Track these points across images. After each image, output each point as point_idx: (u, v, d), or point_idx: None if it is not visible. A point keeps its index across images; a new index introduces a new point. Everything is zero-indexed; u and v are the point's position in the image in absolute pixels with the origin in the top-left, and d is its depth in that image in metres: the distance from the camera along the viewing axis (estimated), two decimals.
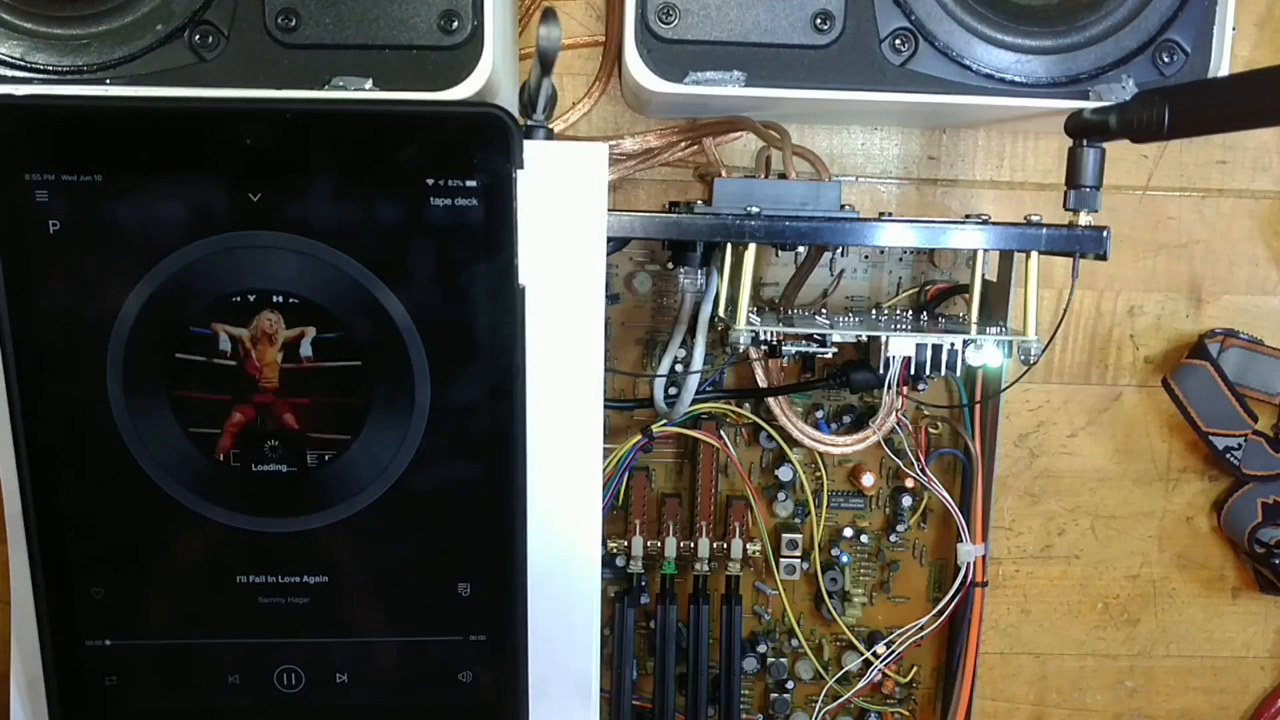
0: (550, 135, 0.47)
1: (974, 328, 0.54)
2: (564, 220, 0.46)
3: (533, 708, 0.50)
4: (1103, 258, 0.51)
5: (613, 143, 0.60)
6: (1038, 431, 0.67)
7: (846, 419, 0.64)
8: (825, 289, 0.63)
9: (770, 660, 0.66)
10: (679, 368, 0.61)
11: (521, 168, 0.44)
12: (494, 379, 0.45)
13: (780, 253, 0.60)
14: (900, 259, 0.63)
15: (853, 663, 0.66)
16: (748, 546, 0.62)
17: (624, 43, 0.47)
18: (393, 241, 0.44)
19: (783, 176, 0.59)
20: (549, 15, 0.43)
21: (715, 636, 0.64)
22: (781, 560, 0.64)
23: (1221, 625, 0.71)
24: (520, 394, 0.46)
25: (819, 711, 0.66)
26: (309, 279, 0.44)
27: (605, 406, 0.50)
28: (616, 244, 0.59)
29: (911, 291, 0.63)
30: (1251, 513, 0.66)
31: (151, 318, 0.44)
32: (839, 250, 0.61)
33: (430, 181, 0.43)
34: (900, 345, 0.53)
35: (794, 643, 0.66)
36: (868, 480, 0.64)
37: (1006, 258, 0.56)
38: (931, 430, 0.64)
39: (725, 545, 0.62)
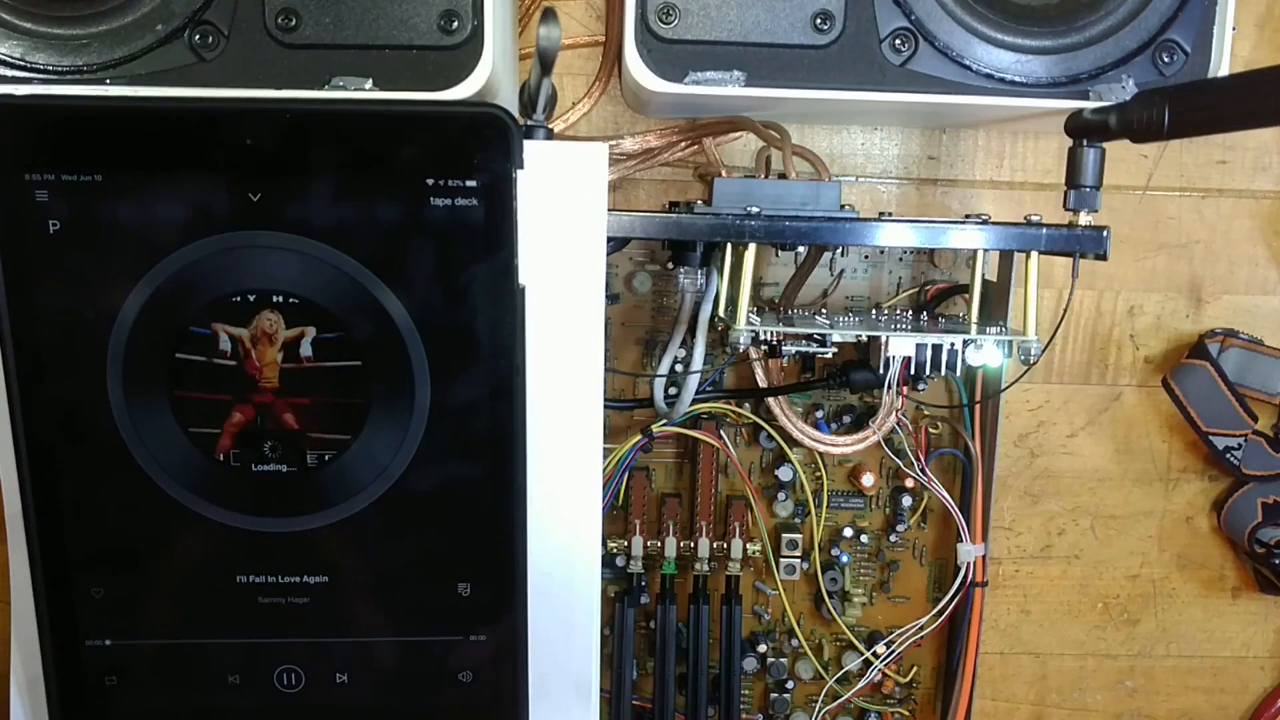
0: (550, 135, 0.47)
1: (974, 328, 0.54)
2: (564, 220, 0.46)
3: (533, 708, 0.50)
4: (1103, 258, 0.51)
5: (613, 143, 0.60)
6: (1038, 431, 0.67)
7: (846, 419, 0.64)
8: (825, 289, 0.63)
9: (770, 660, 0.66)
10: (679, 368, 0.61)
11: (521, 168, 0.44)
12: (494, 379, 0.45)
13: (780, 253, 0.60)
14: (900, 259, 0.63)
15: (853, 663, 0.66)
16: (748, 546, 0.62)
17: (624, 43, 0.47)
18: (393, 241, 0.44)
19: (783, 176, 0.59)
20: (549, 15, 0.43)
21: (715, 636, 0.64)
22: (781, 560, 0.64)
23: (1221, 625, 0.71)
24: (520, 394, 0.46)
25: (819, 711, 0.66)
26: (309, 279, 0.44)
27: (605, 406, 0.50)
28: (616, 244, 0.59)
29: (911, 291, 0.63)
30: (1251, 513, 0.66)
31: (151, 318, 0.44)
32: (839, 250, 0.61)
33: (430, 181, 0.43)
34: (900, 345, 0.53)
35: (794, 643, 0.66)
36: (868, 480, 0.64)
37: (1006, 258, 0.56)
38: (931, 430, 0.64)
39: (725, 545, 0.62)
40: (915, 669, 0.67)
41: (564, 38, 0.53)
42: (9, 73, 0.45)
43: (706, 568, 0.63)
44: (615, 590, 0.65)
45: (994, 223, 0.53)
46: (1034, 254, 0.52)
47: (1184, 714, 0.72)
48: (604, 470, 0.59)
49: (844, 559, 0.66)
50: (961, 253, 0.61)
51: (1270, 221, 0.66)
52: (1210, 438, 0.65)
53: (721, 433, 0.62)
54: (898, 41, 0.48)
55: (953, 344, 0.53)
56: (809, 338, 0.54)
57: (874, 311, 0.61)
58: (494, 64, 0.46)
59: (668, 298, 0.63)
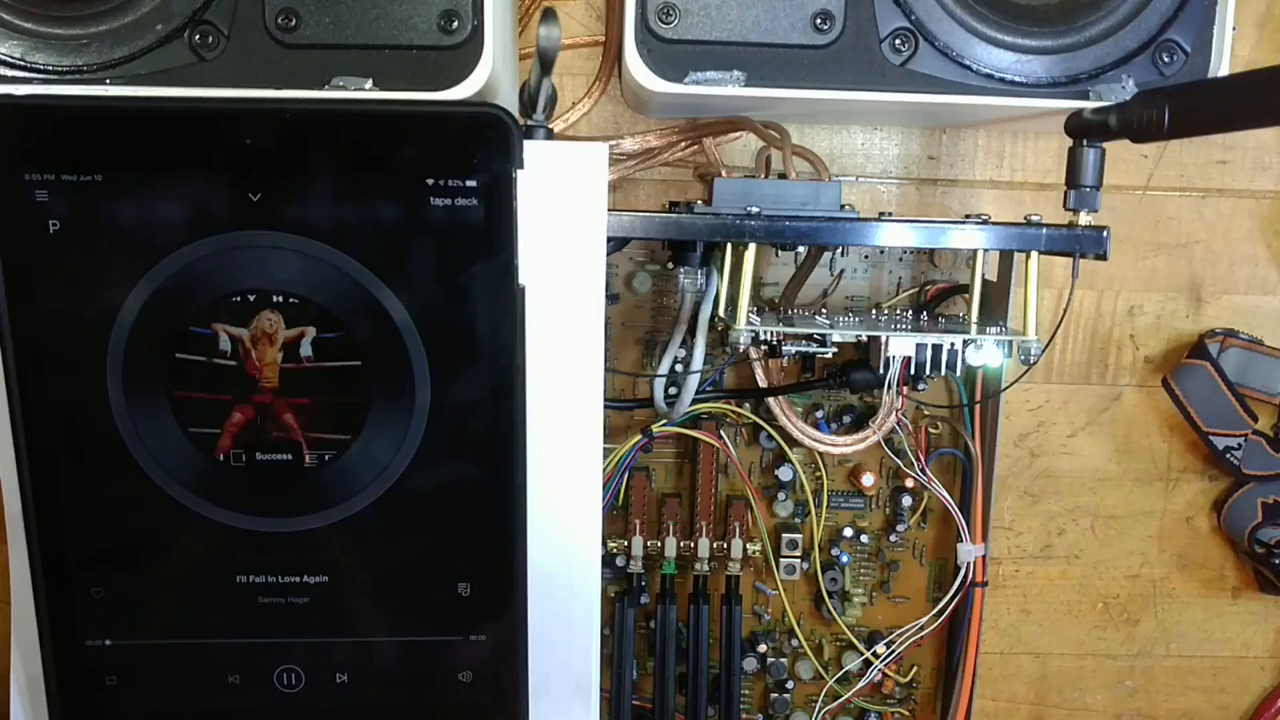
0: (550, 135, 0.47)
1: (974, 328, 0.54)
2: (564, 220, 0.46)
3: (533, 708, 0.50)
4: (1103, 258, 0.51)
5: (613, 143, 0.60)
6: (1038, 431, 0.67)
7: (846, 419, 0.64)
8: (825, 289, 0.63)
9: (770, 660, 0.66)
10: (679, 368, 0.61)
11: (521, 168, 0.44)
12: (494, 379, 0.45)
13: (780, 253, 0.60)
14: (900, 259, 0.63)
15: (853, 663, 0.66)
16: (748, 546, 0.62)
17: (624, 43, 0.47)
18: (393, 241, 0.44)
19: (783, 176, 0.59)
20: (549, 15, 0.43)
21: (715, 636, 0.64)
22: (781, 560, 0.64)
23: (1221, 625, 0.71)
24: (520, 394, 0.46)
25: (819, 711, 0.66)
26: (309, 279, 0.44)
27: (605, 406, 0.50)
28: (616, 244, 0.59)
29: (911, 291, 0.63)
30: (1251, 513, 0.66)
31: (151, 318, 0.44)
32: (839, 250, 0.61)
33: (430, 181, 0.43)
34: (900, 345, 0.53)
35: (794, 643, 0.66)
36: (868, 480, 0.64)
37: (1006, 258, 0.56)
38: (931, 430, 0.64)
39: (725, 545, 0.62)
40: (915, 669, 0.67)
41: (564, 38, 0.53)
42: (9, 73, 0.45)
43: (706, 568, 0.63)
44: (615, 590, 0.65)
45: (994, 223, 0.53)
46: (1034, 254, 0.52)
47: (1184, 714, 0.72)
48: (604, 470, 0.59)
49: (844, 559, 0.66)
50: (961, 253, 0.61)
51: (1270, 221, 0.66)
52: (1210, 438, 0.65)
53: (721, 433, 0.62)
54: (898, 41, 0.48)
55: (953, 344, 0.53)
56: (809, 338, 0.54)
57: (874, 311, 0.61)
58: (494, 64, 0.46)
59: (668, 298, 0.63)
